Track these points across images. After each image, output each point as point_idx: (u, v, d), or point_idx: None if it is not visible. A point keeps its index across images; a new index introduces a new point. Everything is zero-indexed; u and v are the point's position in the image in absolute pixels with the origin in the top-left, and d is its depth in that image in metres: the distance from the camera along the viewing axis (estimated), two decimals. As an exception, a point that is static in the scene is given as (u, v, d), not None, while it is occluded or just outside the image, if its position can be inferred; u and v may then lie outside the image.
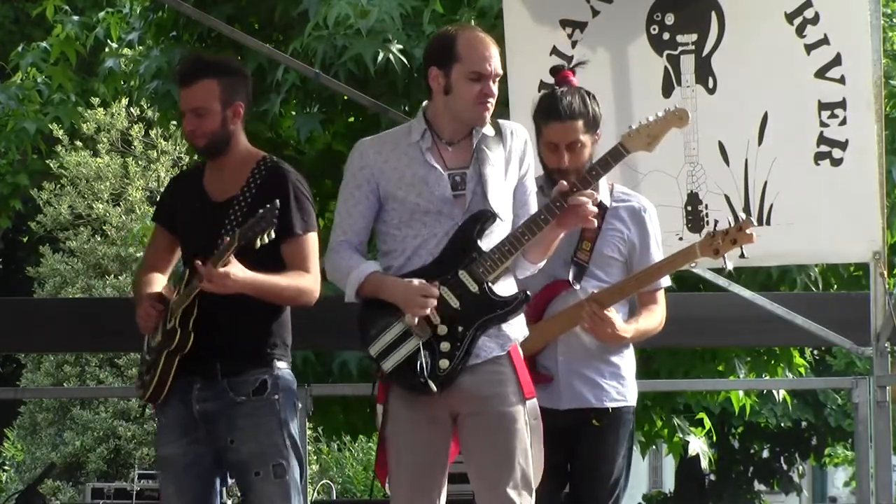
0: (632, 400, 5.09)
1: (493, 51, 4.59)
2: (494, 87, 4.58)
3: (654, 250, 5.09)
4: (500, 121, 4.70)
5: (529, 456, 4.59)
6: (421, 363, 4.51)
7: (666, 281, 5.13)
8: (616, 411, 5.02)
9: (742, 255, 4.92)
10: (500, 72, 4.61)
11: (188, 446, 4.94)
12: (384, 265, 4.63)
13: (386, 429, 4.64)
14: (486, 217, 4.55)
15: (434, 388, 4.50)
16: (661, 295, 5.14)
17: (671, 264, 5.05)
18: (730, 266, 4.94)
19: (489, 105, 4.58)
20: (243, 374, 4.90)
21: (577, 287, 4.99)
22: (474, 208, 4.57)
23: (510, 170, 4.65)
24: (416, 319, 4.51)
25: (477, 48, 4.57)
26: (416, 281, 4.51)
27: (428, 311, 4.50)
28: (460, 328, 4.53)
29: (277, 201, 4.67)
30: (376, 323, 4.58)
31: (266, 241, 4.65)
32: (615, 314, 4.94)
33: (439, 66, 4.60)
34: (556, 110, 4.95)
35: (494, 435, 4.56)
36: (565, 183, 4.60)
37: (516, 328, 4.66)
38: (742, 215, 5.07)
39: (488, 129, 4.64)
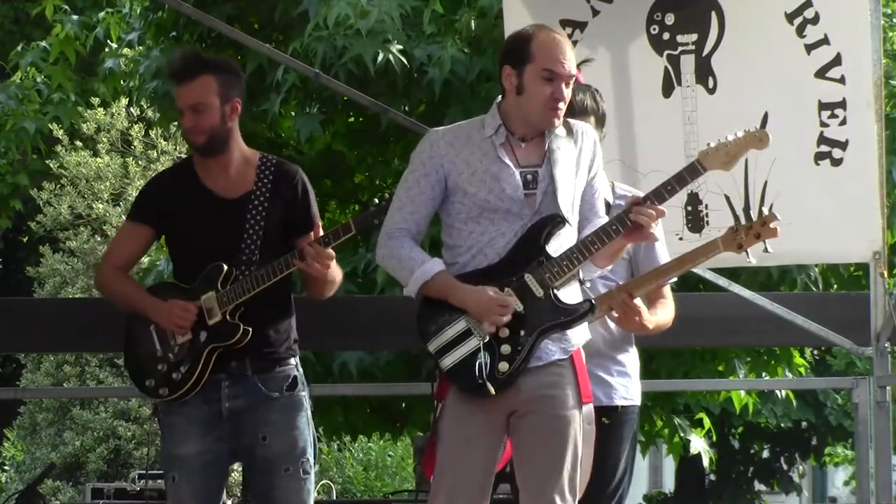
0: (637, 399, 5.12)
1: (570, 53, 4.54)
2: (567, 91, 4.54)
3: (658, 246, 5.10)
4: (571, 120, 4.66)
5: (579, 462, 4.56)
6: (480, 364, 4.47)
7: None
8: (624, 409, 5.04)
9: (766, 250, 4.88)
10: (574, 74, 4.56)
11: (210, 445, 4.93)
12: (448, 260, 4.59)
13: (440, 425, 4.59)
14: (555, 221, 4.51)
15: (492, 390, 4.47)
16: (668, 289, 5.16)
17: (693, 258, 5.05)
18: (753, 261, 4.91)
19: (559, 109, 4.53)
20: (272, 371, 4.95)
21: (587, 284, 5.01)
22: (544, 209, 4.53)
23: (580, 171, 4.61)
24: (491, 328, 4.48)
25: (552, 48, 4.52)
26: (490, 290, 4.48)
27: (504, 321, 4.47)
28: (522, 332, 4.49)
29: (388, 195, 4.73)
30: (437, 319, 4.54)
31: None
32: (642, 303, 4.96)
33: (513, 65, 4.56)
34: (570, 107, 4.96)
35: (547, 437, 4.53)
36: (640, 196, 4.57)
37: (579, 333, 4.63)
38: (742, 215, 5.05)
39: (560, 129, 4.61)
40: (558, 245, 4.53)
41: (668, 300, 5.14)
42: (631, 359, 5.12)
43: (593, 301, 4.61)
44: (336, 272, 4.97)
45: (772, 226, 4.81)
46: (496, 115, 4.61)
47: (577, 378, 4.60)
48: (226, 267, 4.91)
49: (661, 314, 5.08)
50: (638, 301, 4.94)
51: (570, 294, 4.57)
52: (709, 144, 4.65)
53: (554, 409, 4.54)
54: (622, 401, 5.03)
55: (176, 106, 5.09)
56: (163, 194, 5.12)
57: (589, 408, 4.64)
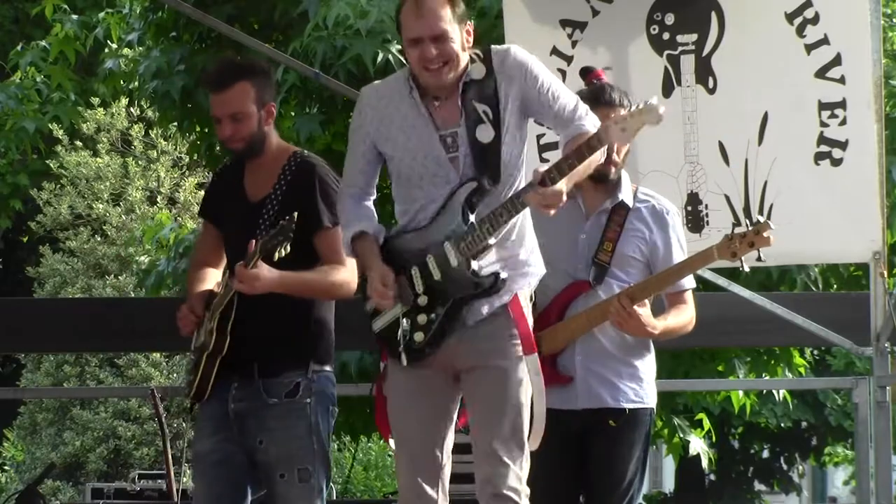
0: (650, 402, 5.09)
1: (425, 12, 4.43)
2: (439, 47, 4.42)
3: (676, 252, 5.10)
4: (491, 49, 4.56)
5: (524, 411, 4.49)
6: (402, 331, 4.49)
7: (691, 282, 5.13)
8: (633, 412, 5.02)
9: (759, 259, 4.90)
10: (438, 31, 4.42)
11: (219, 444, 4.95)
12: (397, 218, 4.58)
13: (383, 385, 4.63)
14: (473, 188, 4.45)
15: (404, 361, 4.48)
16: (688, 295, 5.14)
17: (690, 266, 5.05)
18: (746, 268, 4.93)
19: (433, 68, 4.44)
20: (279, 376, 4.91)
21: (599, 288, 5.00)
22: (468, 173, 4.47)
23: (510, 108, 4.50)
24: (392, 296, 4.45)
25: (408, 15, 4.47)
26: (389, 274, 4.45)
27: (384, 303, 4.46)
28: (438, 302, 4.48)
29: (295, 214, 4.65)
30: None
31: (283, 254, 4.63)
32: (645, 309, 4.94)
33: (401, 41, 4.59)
34: (609, 97, 5.00)
35: (486, 389, 4.49)
36: (540, 172, 4.40)
37: (519, 281, 4.54)
38: (742, 215, 5.06)
39: (477, 71, 4.52)
40: (483, 209, 4.46)
41: (686, 306, 5.12)
42: (646, 363, 5.09)
43: (501, 276, 4.48)
44: (316, 277, 4.85)
45: (765, 235, 4.83)
46: (409, 76, 4.55)
47: (518, 327, 4.52)
48: (228, 275, 4.93)
49: (672, 320, 5.05)
50: (646, 310, 4.93)
51: (486, 263, 4.49)
52: (610, 116, 4.58)
53: (490, 361, 4.50)
54: (630, 404, 5.00)
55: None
56: (214, 192, 5.17)
57: (534, 357, 4.53)
